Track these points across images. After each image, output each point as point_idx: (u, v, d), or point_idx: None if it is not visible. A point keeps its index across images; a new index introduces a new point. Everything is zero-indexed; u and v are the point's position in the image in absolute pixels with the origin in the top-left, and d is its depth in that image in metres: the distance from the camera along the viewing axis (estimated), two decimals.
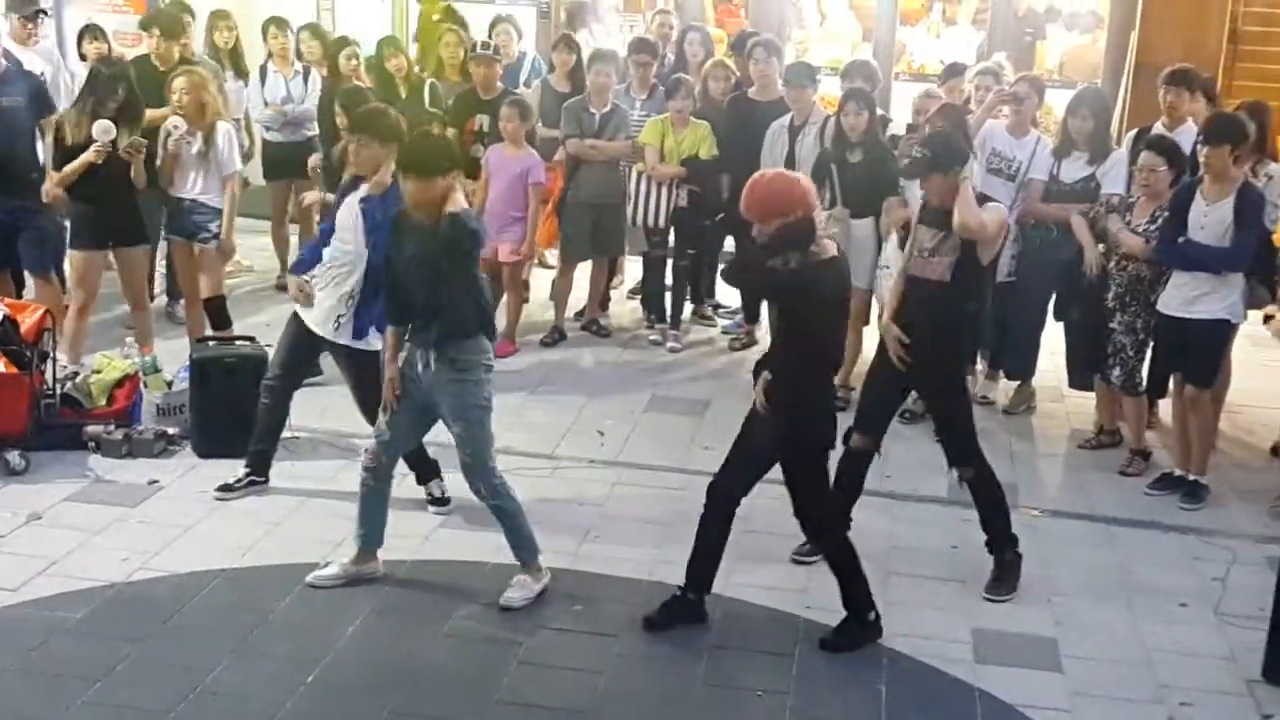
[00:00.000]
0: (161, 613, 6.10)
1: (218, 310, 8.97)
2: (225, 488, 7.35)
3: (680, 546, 6.38)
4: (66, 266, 9.10)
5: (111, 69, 8.73)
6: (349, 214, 7.02)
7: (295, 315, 7.28)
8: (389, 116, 7.19)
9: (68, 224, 8.98)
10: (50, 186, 8.65)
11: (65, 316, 8.64)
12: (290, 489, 7.44)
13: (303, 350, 7.38)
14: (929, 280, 6.57)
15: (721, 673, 5.86)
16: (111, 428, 7.86)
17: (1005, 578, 6.69)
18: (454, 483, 7.19)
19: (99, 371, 8.20)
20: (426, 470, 7.29)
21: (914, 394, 7.48)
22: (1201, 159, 7.61)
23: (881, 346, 6.77)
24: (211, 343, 8.37)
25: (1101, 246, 8.20)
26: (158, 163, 8.69)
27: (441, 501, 7.25)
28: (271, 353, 7.59)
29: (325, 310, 7.10)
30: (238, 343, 8.31)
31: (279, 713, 5.39)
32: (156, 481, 7.49)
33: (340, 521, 6.95)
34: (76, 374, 8.24)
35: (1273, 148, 8.51)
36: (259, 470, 7.44)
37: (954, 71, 10.28)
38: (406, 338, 6.25)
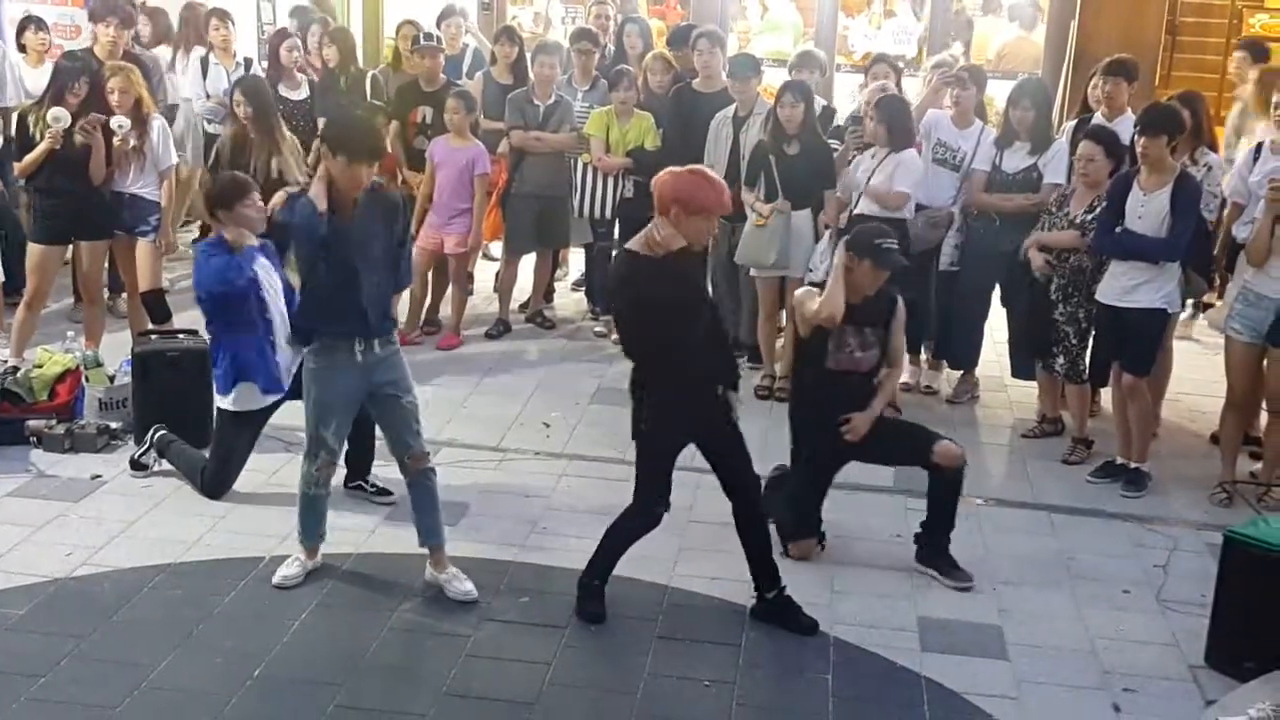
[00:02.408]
0: (105, 608, 6.04)
1: (156, 302, 8.91)
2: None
3: None
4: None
5: (74, 61, 8.68)
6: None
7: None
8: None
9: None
10: None
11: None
12: (235, 482, 7.38)
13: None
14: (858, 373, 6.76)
15: (669, 663, 5.85)
16: (53, 422, 7.79)
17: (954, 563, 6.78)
18: (391, 474, 7.21)
19: (40, 366, 8.11)
20: (365, 466, 7.29)
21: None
22: (1139, 149, 7.67)
23: None
24: (153, 337, 8.30)
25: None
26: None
27: (385, 492, 7.22)
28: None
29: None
30: (180, 336, 8.25)
31: (224, 708, 5.34)
32: (99, 476, 7.42)
33: (286, 515, 6.91)
34: (17, 369, 8.15)
35: (1211, 136, 8.60)
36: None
37: (879, 60, 10.32)
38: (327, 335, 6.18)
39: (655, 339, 5.90)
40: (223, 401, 7.19)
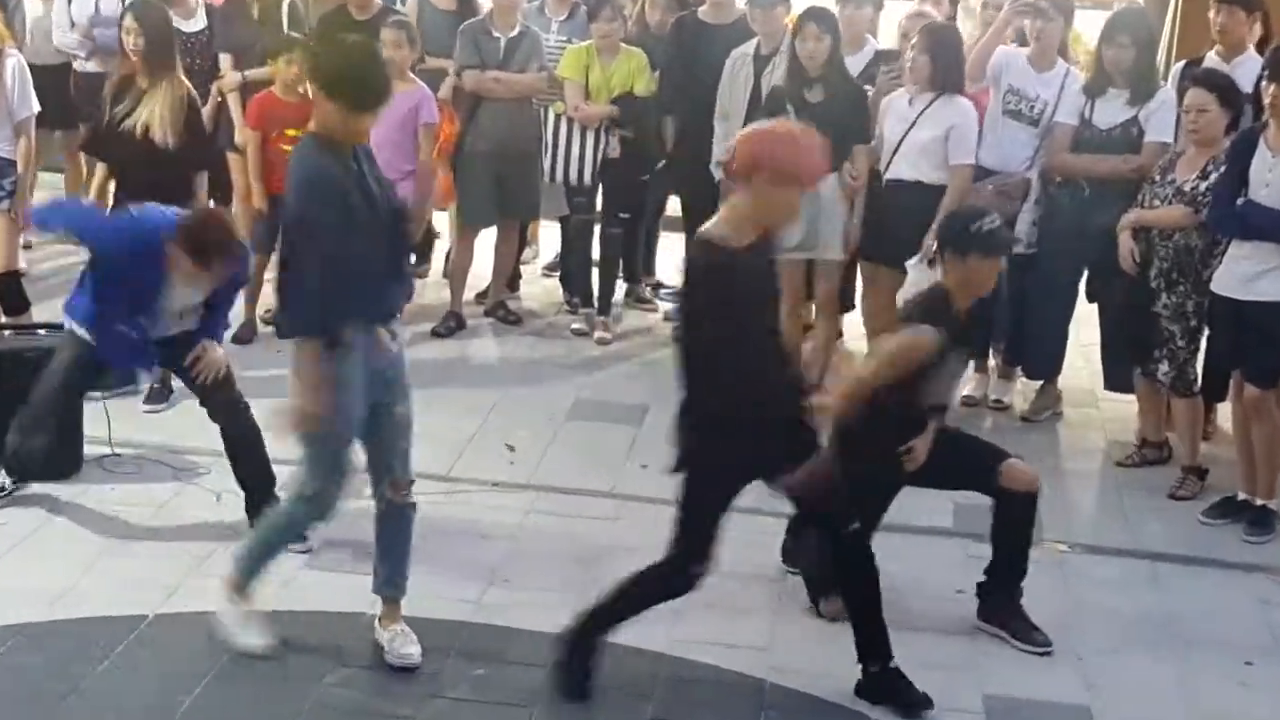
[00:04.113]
0: None
1: (9, 289, 8.89)
2: None
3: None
4: None
5: None
6: None
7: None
8: None
9: None
10: None
11: None
12: (111, 519, 7.40)
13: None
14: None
15: None
16: None
17: (1027, 623, 6.80)
18: None
19: None
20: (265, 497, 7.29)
21: None
22: (1266, 99, 7.68)
23: None
24: (7, 333, 8.29)
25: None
26: None
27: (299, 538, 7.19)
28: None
29: None
30: (40, 332, 8.24)
31: None
32: None
33: (176, 561, 6.94)
34: None
35: None
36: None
37: None
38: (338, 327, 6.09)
39: (745, 355, 5.84)
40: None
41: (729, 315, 5.74)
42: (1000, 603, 6.79)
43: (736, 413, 5.82)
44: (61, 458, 7.71)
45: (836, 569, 6.24)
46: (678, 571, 6.08)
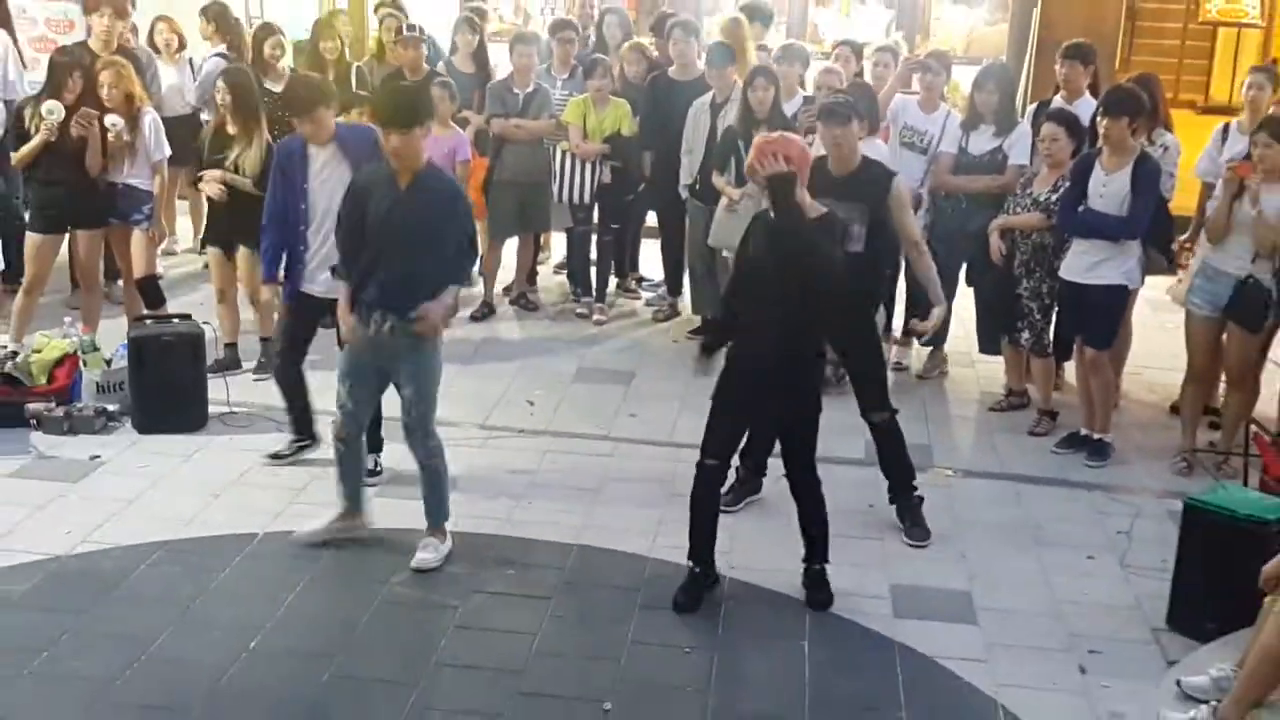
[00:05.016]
0: (105, 584, 6.05)
1: (150, 288, 8.89)
2: (276, 456, 7.43)
3: (608, 510, 6.37)
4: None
5: (67, 56, 8.64)
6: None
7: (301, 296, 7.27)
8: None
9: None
10: None
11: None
12: (229, 461, 7.39)
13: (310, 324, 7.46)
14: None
15: (650, 631, 5.87)
16: (52, 405, 7.78)
17: (919, 520, 6.85)
18: (390, 453, 7.19)
19: (39, 351, 8.09)
20: (372, 444, 7.26)
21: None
22: (1101, 130, 7.69)
23: None
24: (148, 322, 8.29)
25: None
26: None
27: (374, 473, 7.19)
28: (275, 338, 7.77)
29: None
30: (174, 321, 8.24)
31: (223, 678, 5.36)
32: (98, 457, 7.41)
33: (280, 492, 6.96)
34: (16, 354, 8.13)
35: (1165, 117, 8.61)
36: (303, 431, 7.49)
37: (843, 44, 10.38)
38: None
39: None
40: None
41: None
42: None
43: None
44: (194, 415, 7.78)
45: (805, 490, 6.26)
46: (698, 469, 6.14)
